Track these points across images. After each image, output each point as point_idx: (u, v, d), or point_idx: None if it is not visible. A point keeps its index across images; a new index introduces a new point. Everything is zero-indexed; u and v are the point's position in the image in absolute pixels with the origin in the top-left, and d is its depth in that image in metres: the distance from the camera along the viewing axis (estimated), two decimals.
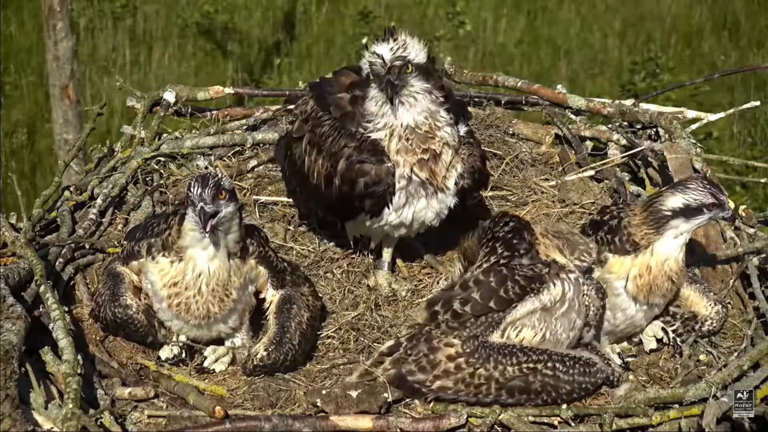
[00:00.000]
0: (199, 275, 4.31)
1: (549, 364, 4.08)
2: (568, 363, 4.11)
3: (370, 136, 4.65)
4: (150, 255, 4.38)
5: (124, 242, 4.60)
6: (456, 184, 4.72)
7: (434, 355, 4.11)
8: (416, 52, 4.56)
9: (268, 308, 4.56)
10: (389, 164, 4.62)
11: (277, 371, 4.40)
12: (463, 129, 4.80)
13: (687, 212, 4.34)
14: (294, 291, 4.56)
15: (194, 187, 4.14)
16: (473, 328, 4.12)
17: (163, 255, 4.35)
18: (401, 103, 4.57)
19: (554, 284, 4.19)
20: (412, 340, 4.17)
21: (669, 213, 4.34)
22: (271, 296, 4.56)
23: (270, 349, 4.38)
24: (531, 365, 4.07)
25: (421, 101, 4.59)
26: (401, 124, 4.60)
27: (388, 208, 4.69)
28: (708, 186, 4.37)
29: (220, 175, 4.24)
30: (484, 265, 4.27)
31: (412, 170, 4.63)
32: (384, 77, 4.52)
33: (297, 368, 4.46)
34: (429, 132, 4.62)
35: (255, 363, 4.38)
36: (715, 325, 4.59)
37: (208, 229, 4.14)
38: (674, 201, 4.35)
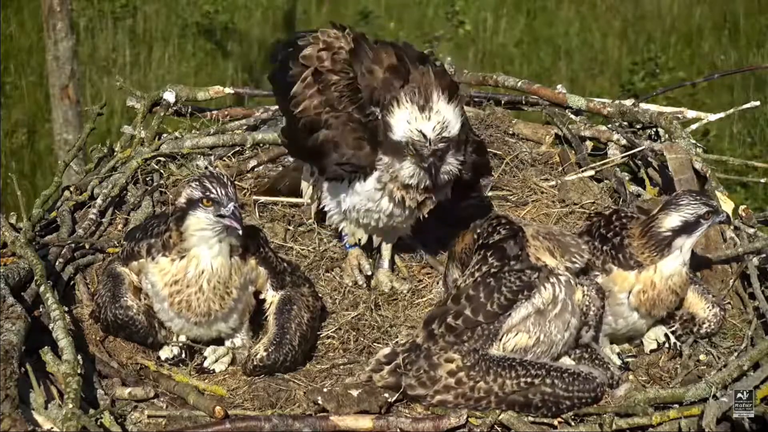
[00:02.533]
0: (202, 272, 4.30)
1: (548, 381, 4.08)
2: (567, 380, 4.10)
3: (376, 121, 4.51)
4: (150, 255, 4.38)
5: (124, 243, 4.59)
6: None
7: (435, 371, 4.12)
8: (454, 126, 4.43)
9: (268, 309, 4.57)
10: (379, 157, 4.54)
11: (277, 371, 4.40)
12: None
13: (687, 228, 4.36)
14: (294, 292, 4.56)
15: (215, 188, 4.15)
16: (472, 342, 4.13)
17: (164, 255, 4.35)
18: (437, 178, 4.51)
19: (545, 287, 4.20)
20: (410, 354, 4.18)
21: (669, 234, 4.35)
22: (271, 297, 4.56)
23: (270, 350, 4.38)
24: (530, 380, 4.08)
25: (452, 171, 4.55)
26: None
27: (357, 183, 4.62)
28: (697, 196, 4.42)
29: (223, 171, 4.26)
30: (476, 275, 4.27)
31: (402, 197, 4.60)
32: (427, 158, 4.40)
33: (297, 368, 4.46)
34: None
35: (255, 363, 4.38)
36: (712, 327, 4.58)
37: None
38: (671, 221, 4.36)
